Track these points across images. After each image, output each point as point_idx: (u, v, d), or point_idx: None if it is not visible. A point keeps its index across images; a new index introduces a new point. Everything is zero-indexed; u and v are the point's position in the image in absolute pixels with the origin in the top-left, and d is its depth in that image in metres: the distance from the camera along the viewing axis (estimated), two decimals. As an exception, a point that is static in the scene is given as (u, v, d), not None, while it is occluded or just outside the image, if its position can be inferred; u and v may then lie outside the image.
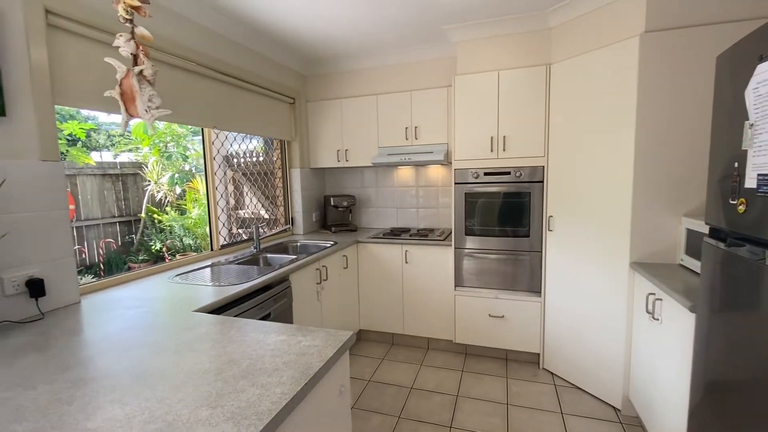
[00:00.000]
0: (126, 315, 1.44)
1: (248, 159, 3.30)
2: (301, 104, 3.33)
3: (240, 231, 3.24)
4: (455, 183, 2.76)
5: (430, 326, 2.98)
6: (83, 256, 4.51)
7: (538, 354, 2.69)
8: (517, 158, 2.60)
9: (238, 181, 3.64)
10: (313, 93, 3.42)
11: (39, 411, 0.83)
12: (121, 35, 0.83)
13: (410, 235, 3.06)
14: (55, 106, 1.52)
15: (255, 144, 3.31)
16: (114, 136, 5.82)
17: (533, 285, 2.65)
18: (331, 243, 2.87)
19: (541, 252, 2.59)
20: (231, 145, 3.05)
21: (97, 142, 5.58)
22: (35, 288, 1.41)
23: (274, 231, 3.23)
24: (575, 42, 2.29)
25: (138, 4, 0.83)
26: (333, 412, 1.10)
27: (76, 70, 1.61)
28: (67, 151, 4.96)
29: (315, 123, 3.41)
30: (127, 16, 0.83)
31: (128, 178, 5.11)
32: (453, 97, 2.70)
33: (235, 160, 3.42)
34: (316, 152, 3.44)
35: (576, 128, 2.30)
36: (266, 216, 3.32)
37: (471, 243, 2.76)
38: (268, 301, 1.91)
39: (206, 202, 2.64)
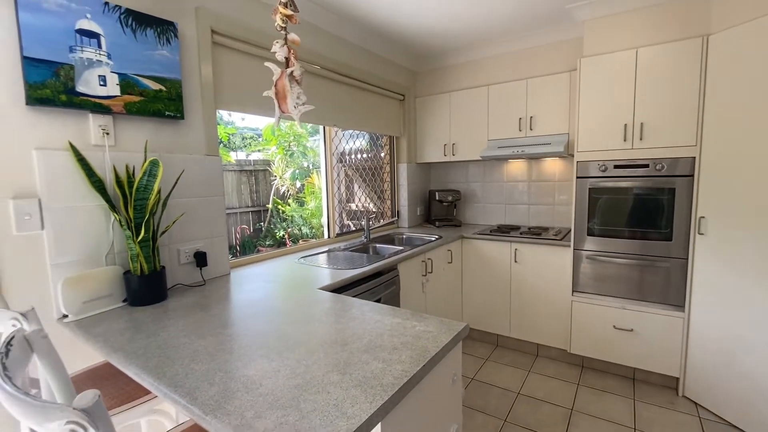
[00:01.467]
0: (265, 287, 1.66)
1: (359, 156, 3.51)
2: (410, 100, 3.40)
3: (349, 223, 3.47)
4: (577, 177, 2.50)
5: (540, 332, 2.77)
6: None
7: (677, 378, 2.29)
8: (657, 148, 2.23)
9: (350, 176, 3.90)
10: (422, 88, 3.46)
11: (209, 355, 1.02)
12: (277, 42, 0.97)
13: (520, 233, 2.88)
14: (216, 111, 1.84)
15: (364, 142, 3.50)
16: (246, 138, 6.77)
17: (673, 297, 2.25)
18: (436, 237, 2.88)
19: (687, 259, 2.19)
20: (345, 144, 3.29)
21: (235, 143, 6.55)
22: (200, 259, 1.73)
23: (382, 223, 3.38)
24: (747, 4, 1.86)
25: (291, 13, 0.96)
26: (445, 400, 1.11)
27: (232, 79, 1.91)
28: (215, 151, 5.91)
29: (423, 118, 3.44)
30: (282, 24, 0.97)
31: (259, 173, 5.86)
32: (578, 82, 2.45)
33: (347, 157, 3.67)
34: (423, 147, 3.48)
35: (749, 112, 1.87)
36: (374, 209, 3.49)
37: (594, 244, 2.48)
38: (379, 287, 2.01)
39: (324, 194, 2.89)
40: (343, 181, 3.81)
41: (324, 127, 2.78)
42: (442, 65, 3.33)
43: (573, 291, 2.57)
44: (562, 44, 2.78)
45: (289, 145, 5.95)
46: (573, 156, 2.53)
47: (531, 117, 2.88)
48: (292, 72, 0.98)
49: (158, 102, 1.55)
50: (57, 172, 1.33)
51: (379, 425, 0.79)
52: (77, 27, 1.32)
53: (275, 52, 0.99)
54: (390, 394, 0.81)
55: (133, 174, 1.46)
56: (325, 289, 1.63)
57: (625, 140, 2.32)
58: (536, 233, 2.85)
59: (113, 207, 1.40)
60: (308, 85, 2.34)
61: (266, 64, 1.06)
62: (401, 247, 2.58)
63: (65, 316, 1.33)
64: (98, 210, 1.43)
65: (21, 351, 0.69)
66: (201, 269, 1.75)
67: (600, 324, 2.49)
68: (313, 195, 5.38)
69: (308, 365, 0.95)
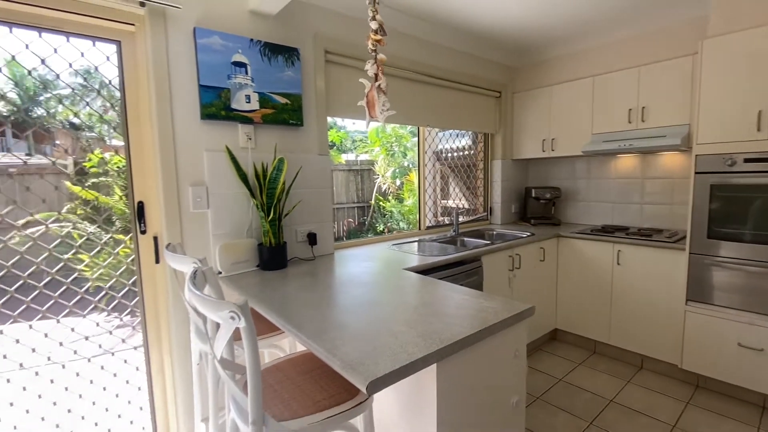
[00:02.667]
0: (360, 264, 1.96)
1: (455, 154, 3.64)
2: (506, 96, 3.40)
3: (444, 219, 3.63)
4: (696, 173, 2.24)
5: (645, 342, 2.54)
6: (333, 229, 5.99)
7: (830, 416, 1.89)
8: (806, 137, 1.88)
9: (445, 173, 4.06)
10: (521, 84, 3.42)
11: (314, 305, 1.33)
12: (368, 61, 1.22)
13: (626, 234, 2.67)
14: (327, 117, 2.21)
15: (459, 140, 3.61)
16: (356, 141, 7.42)
17: (827, 316, 1.87)
18: (528, 234, 2.86)
19: None
20: (442, 143, 3.47)
21: (345, 146, 7.26)
22: (312, 239, 2.12)
23: (472, 218, 3.46)
24: None
25: (380, 38, 1.19)
26: (507, 372, 1.22)
27: (338, 89, 2.27)
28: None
29: (520, 114, 3.41)
30: (373, 47, 1.21)
31: (364, 172, 6.40)
32: (699, 67, 2.19)
33: (445, 155, 3.84)
34: (520, 143, 3.44)
35: None
36: (467, 205, 3.58)
37: (715, 249, 2.18)
38: (460, 275, 2.15)
39: (417, 190, 3.12)
40: (439, 179, 4.00)
41: (419, 128, 3.01)
42: (541, 59, 3.25)
43: (687, 300, 2.30)
44: (680, 27, 2.49)
45: (391, 146, 6.37)
46: (692, 149, 2.26)
47: (643, 107, 2.64)
48: (379, 84, 1.22)
49: (285, 113, 1.97)
50: (217, 167, 1.82)
51: (435, 365, 0.98)
52: (233, 60, 1.79)
53: (367, 69, 1.24)
54: (443, 345, 0.99)
55: (266, 169, 1.90)
56: (409, 269, 1.85)
57: (758, 130, 2.00)
58: (646, 235, 2.61)
59: (252, 194, 1.85)
60: (403, 89, 2.59)
61: (360, 80, 1.32)
62: (489, 242, 2.65)
63: (220, 272, 1.82)
64: (242, 196, 1.90)
65: (200, 279, 1.08)
66: (312, 247, 2.14)
67: (720, 340, 2.18)
68: (411, 192, 5.68)
69: (384, 318, 1.18)
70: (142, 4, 1.59)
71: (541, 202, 3.41)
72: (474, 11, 2.43)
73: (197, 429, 1.58)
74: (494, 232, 3.16)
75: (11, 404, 1.62)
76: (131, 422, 1.85)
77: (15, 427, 1.62)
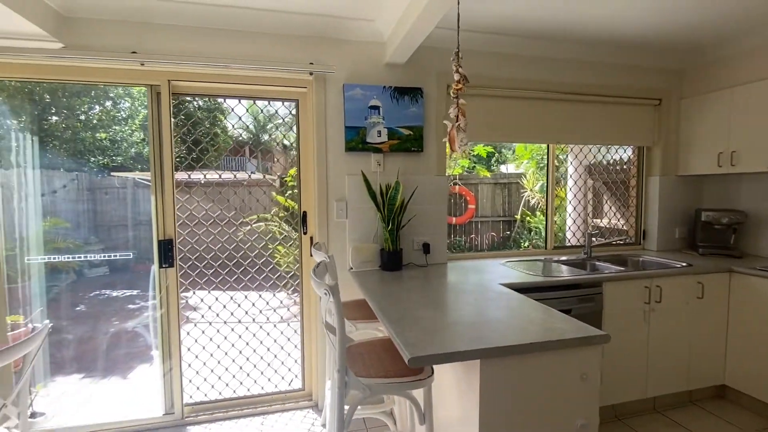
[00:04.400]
0: (464, 275, 2.18)
1: (609, 167, 3.35)
2: (670, 104, 2.95)
3: (594, 239, 3.37)
4: None
5: None
6: (475, 242, 6.12)
7: None
8: None
9: (599, 190, 3.74)
10: (690, 88, 2.91)
11: (406, 299, 1.66)
12: (451, 105, 1.47)
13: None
14: (447, 142, 2.51)
15: (620, 153, 3.30)
16: (504, 153, 7.35)
17: None
18: (682, 264, 2.44)
19: None
20: (594, 156, 3.28)
21: (492, 160, 7.28)
22: (426, 248, 2.45)
23: (614, 240, 3.11)
24: None
25: (461, 86, 1.43)
26: (571, 391, 1.26)
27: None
28: (474, 166, 6.87)
29: (689, 123, 2.90)
30: (454, 95, 1.46)
31: (511, 186, 6.32)
32: None
33: (596, 169, 3.57)
34: (687, 157, 2.92)
35: None
36: (618, 226, 3.24)
37: None
38: (571, 299, 2.09)
39: (546, 207, 3.05)
40: (591, 196, 3.73)
41: (549, 145, 2.96)
42: (717, 57, 2.71)
43: None
44: None
45: (542, 158, 6.10)
46: None
47: None
48: (459, 125, 1.45)
49: (408, 142, 2.37)
50: (354, 187, 2.36)
51: (478, 362, 1.17)
52: (369, 104, 2.30)
53: (450, 112, 1.49)
54: (486, 347, 1.17)
55: (387, 189, 2.34)
56: (504, 284, 1.97)
57: None
58: None
59: (378, 208, 2.32)
60: (520, 109, 2.64)
61: (444, 121, 1.57)
62: (621, 268, 2.42)
63: (351, 268, 2.34)
64: (371, 210, 2.39)
65: (323, 269, 1.55)
66: (426, 255, 2.47)
67: None
68: (558, 208, 5.33)
69: (452, 320, 1.41)
70: (311, 74, 2.25)
71: (715, 227, 2.81)
72: (618, 22, 2.31)
73: (327, 380, 2.12)
74: (640, 259, 2.79)
75: (218, 346, 2.52)
76: (289, 369, 2.56)
77: (218, 362, 2.51)
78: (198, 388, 2.43)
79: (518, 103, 2.64)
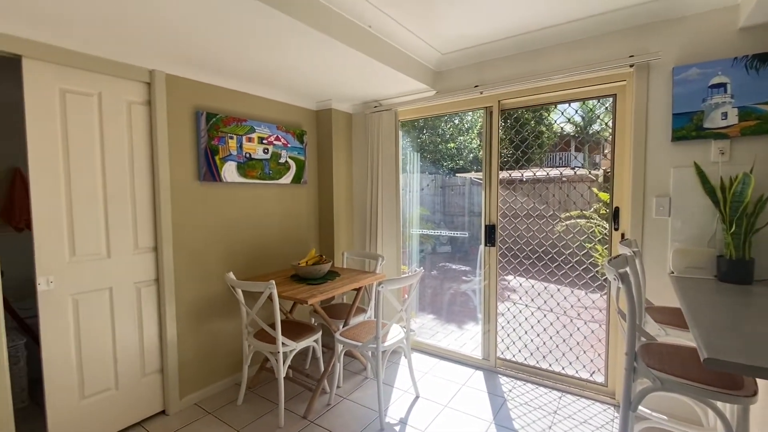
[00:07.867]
0: None
1: None
2: None
3: None
4: None
5: None
6: None
7: None
8: None
9: None
10: None
11: (739, 317, 1.42)
12: None
13: None
14: None
15: None
16: None
17: None
18: None
19: None
20: None
21: None
22: None
23: None
24: None
25: None
26: None
27: None
28: None
29: None
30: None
31: None
32: None
33: None
34: None
35: None
36: None
37: None
38: None
39: None
40: None
41: None
42: None
43: None
44: None
45: None
46: None
47: None
48: None
49: (775, 121, 1.83)
50: (682, 182, 2.09)
51: None
52: (710, 83, 1.96)
53: None
54: None
55: (731, 183, 1.90)
56: None
57: None
58: None
59: (717, 206, 1.95)
60: None
61: None
62: None
63: (672, 272, 2.10)
64: (706, 208, 2.03)
65: (622, 260, 1.61)
66: (802, 272, 1.81)
67: None
68: None
69: (797, 342, 1.13)
70: (631, 66, 2.19)
71: None
72: None
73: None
74: None
75: (527, 320, 2.90)
76: (591, 360, 2.62)
77: (525, 332, 2.89)
78: (508, 348, 2.97)
79: None
